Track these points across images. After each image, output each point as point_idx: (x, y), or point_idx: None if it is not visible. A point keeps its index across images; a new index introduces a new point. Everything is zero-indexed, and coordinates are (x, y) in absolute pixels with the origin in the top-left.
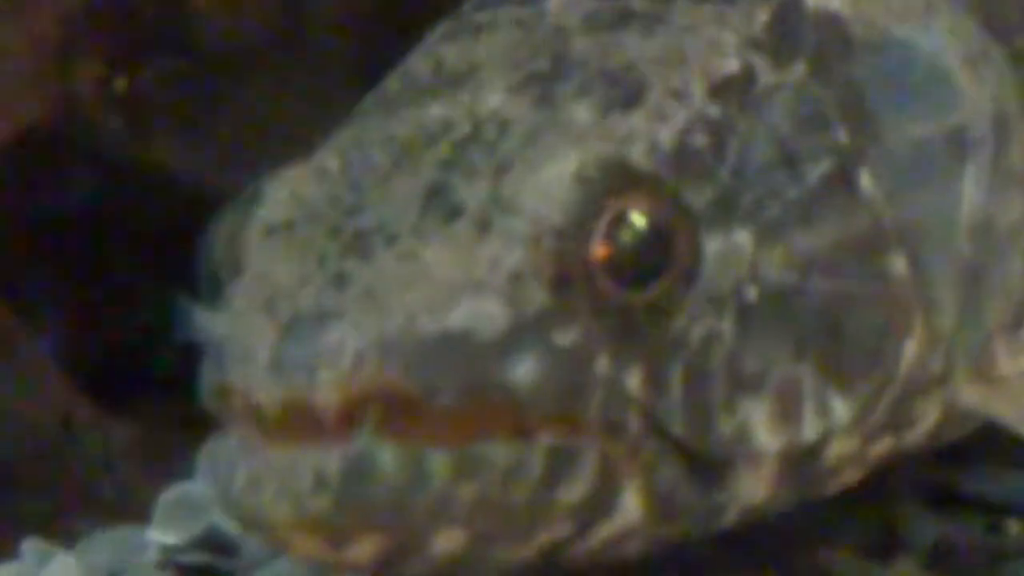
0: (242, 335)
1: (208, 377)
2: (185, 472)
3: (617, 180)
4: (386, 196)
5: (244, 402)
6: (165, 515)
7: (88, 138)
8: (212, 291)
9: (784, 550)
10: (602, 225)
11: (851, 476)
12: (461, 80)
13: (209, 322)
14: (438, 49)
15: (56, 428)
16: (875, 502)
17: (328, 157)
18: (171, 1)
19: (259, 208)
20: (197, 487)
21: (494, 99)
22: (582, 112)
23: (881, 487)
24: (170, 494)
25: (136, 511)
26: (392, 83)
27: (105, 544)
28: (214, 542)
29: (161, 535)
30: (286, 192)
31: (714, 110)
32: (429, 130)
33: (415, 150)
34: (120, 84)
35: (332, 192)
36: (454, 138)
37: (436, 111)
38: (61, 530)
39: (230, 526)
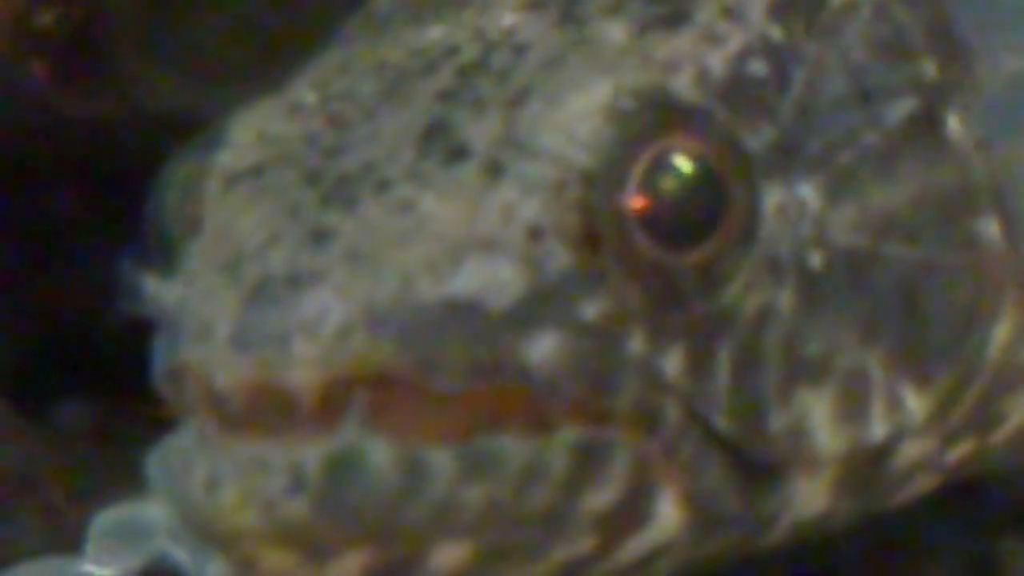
0: (199, 305)
1: (160, 358)
2: (127, 490)
3: (658, 115)
4: (375, 134)
5: (202, 385)
6: (101, 543)
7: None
8: (163, 254)
9: None
10: (639, 170)
11: (925, 484)
12: None
13: (160, 292)
14: None
15: None
16: (970, 531)
17: (304, 89)
18: None
19: (220, 152)
20: (141, 508)
21: (507, 17)
22: (615, 32)
23: (976, 511)
24: (107, 517)
25: (65, 539)
26: (383, 1)
27: None
28: (161, 575)
29: (96, 567)
30: (253, 132)
31: (776, 33)
32: (428, 55)
33: (411, 79)
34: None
35: (309, 130)
36: (458, 64)
37: (436, 33)
38: None
39: (181, 555)
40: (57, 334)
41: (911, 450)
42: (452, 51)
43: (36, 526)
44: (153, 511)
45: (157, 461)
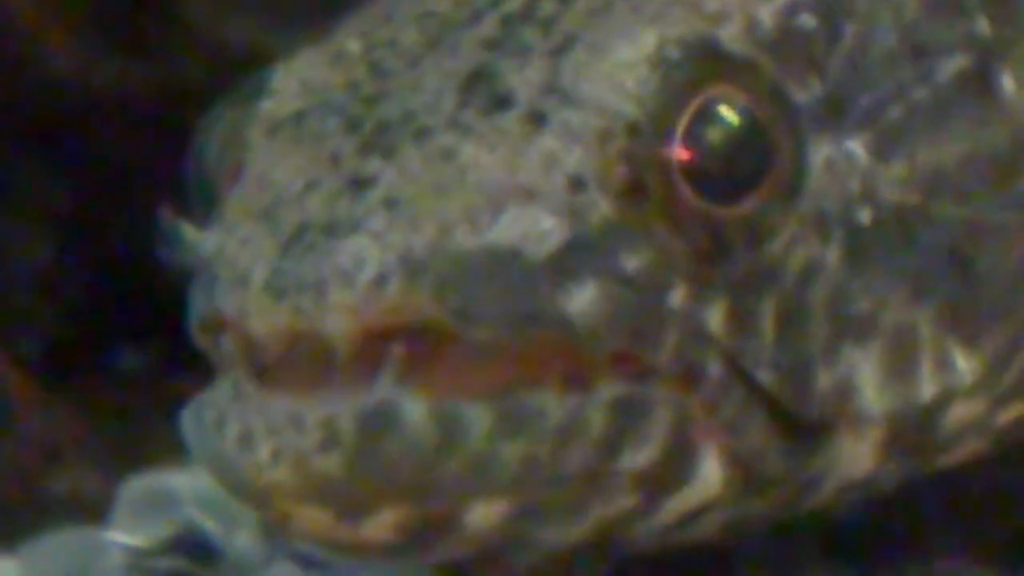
0: (235, 252)
1: (196, 308)
2: (153, 458)
3: (704, 65)
4: (417, 82)
5: (237, 335)
6: (129, 512)
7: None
8: (204, 202)
9: (894, 556)
10: (685, 120)
11: (973, 448)
12: None
13: (198, 239)
14: None
15: None
16: (1010, 504)
17: (348, 38)
18: None
19: (263, 101)
20: (168, 476)
21: None
22: None
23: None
24: (134, 486)
25: (90, 508)
26: None
27: (54, 548)
28: (191, 544)
29: (124, 536)
30: (296, 81)
31: None
32: (473, 5)
33: (455, 28)
34: None
35: (351, 78)
36: (503, 14)
37: None
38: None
39: (209, 524)
40: (119, 279)
41: (960, 411)
42: (497, 1)
43: (62, 495)
44: (180, 479)
45: (190, 416)
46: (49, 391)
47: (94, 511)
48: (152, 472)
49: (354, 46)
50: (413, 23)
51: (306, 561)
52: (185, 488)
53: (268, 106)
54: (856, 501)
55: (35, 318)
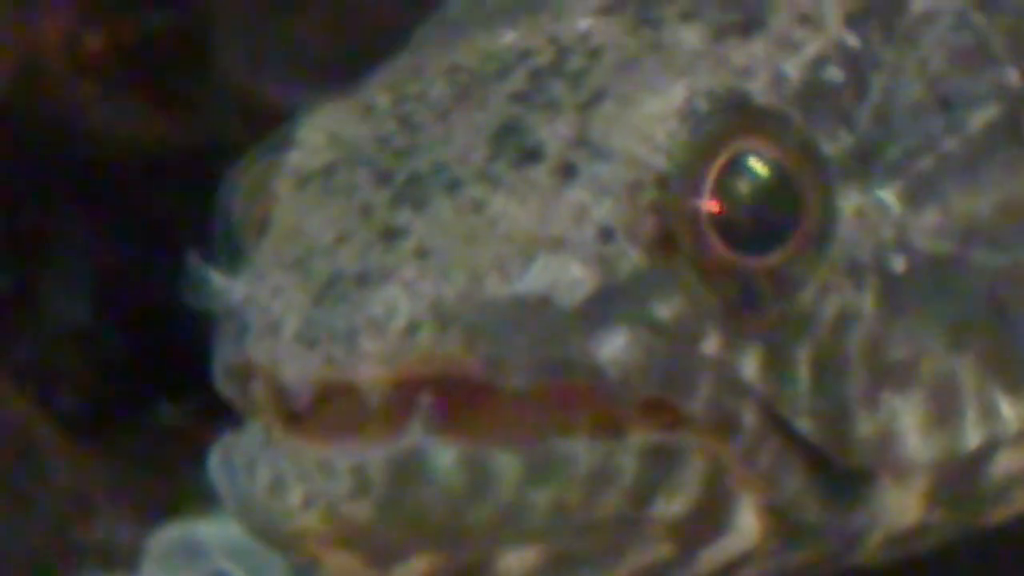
0: (266, 301)
1: (224, 356)
2: (183, 509)
3: (734, 117)
4: (447, 135)
5: (268, 383)
6: (159, 562)
7: (52, 107)
8: (230, 254)
9: None
10: (714, 172)
11: (1022, 502)
12: (542, 1)
13: (227, 290)
14: None
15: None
16: None
17: (376, 91)
18: None
19: (290, 153)
20: (197, 527)
21: (582, 22)
22: (690, 37)
23: None
24: (164, 537)
25: (122, 558)
26: (457, 7)
27: None
28: None
29: None
30: (324, 133)
31: (853, 39)
32: (502, 59)
33: (484, 82)
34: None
35: (380, 131)
36: (532, 68)
37: (510, 37)
38: None
39: (238, 573)
40: (154, 334)
41: (1007, 460)
42: (526, 55)
43: (94, 545)
44: (209, 530)
45: (219, 461)
46: (82, 442)
47: (126, 561)
48: (182, 522)
49: (383, 99)
50: (441, 77)
51: None
52: (214, 538)
53: (295, 158)
54: (898, 558)
55: (71, 372)
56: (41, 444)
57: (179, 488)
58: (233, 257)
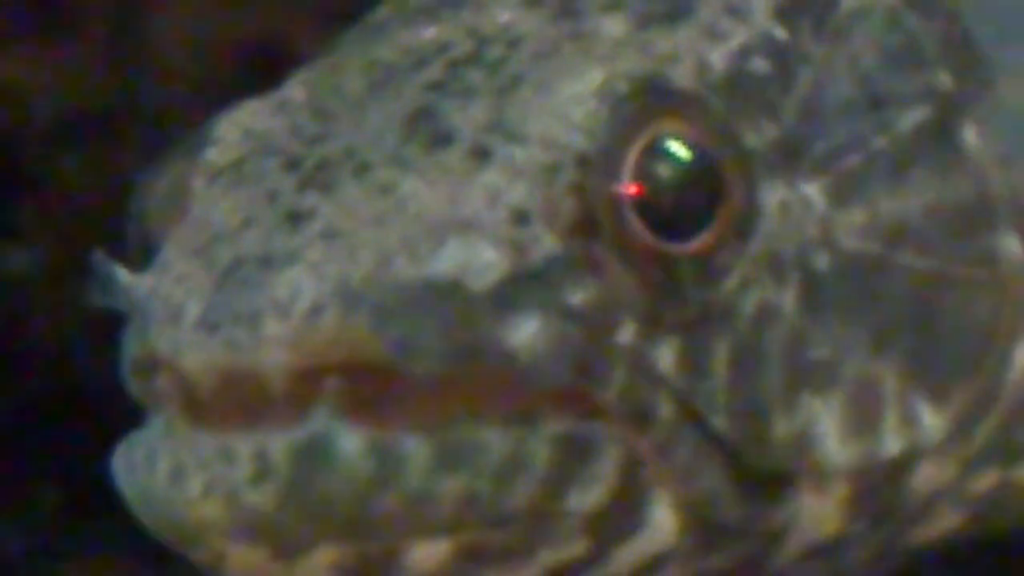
0: (169, 289)
1: (128, 348)
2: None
3: (653, 99)
4: (359, 123)
5: (169, 373)
6: None
7: None
8: (145, 258)
9: None
10: (635, 154)
11: (951, 520)
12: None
13: (132, 284)
14: None
15: None
16: None
17: (293, 88)
18: None
19: (206, 151)
20: None
21: (503, 15)
22: (613, 26)
23: None
24: None
25: None
26: (382, 10)
27: None
28: None
29: None
30: (238, 129)
31: (781, 32)
32: (420, 52)
33: (400, 74)
34: None
35: (293, 122)
36: (450, 58)
37: (430, 32)
38: None
39: None
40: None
41: (929, 472)
42: (444, 47)
43: None
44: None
45: (121, 457)
46: None
47: None
48: None
49: (298, 94)
50: (358, 71)
51: None
52: None
53: (210, 154)
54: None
55: None
56: None
57: None
58: (147, 259)
